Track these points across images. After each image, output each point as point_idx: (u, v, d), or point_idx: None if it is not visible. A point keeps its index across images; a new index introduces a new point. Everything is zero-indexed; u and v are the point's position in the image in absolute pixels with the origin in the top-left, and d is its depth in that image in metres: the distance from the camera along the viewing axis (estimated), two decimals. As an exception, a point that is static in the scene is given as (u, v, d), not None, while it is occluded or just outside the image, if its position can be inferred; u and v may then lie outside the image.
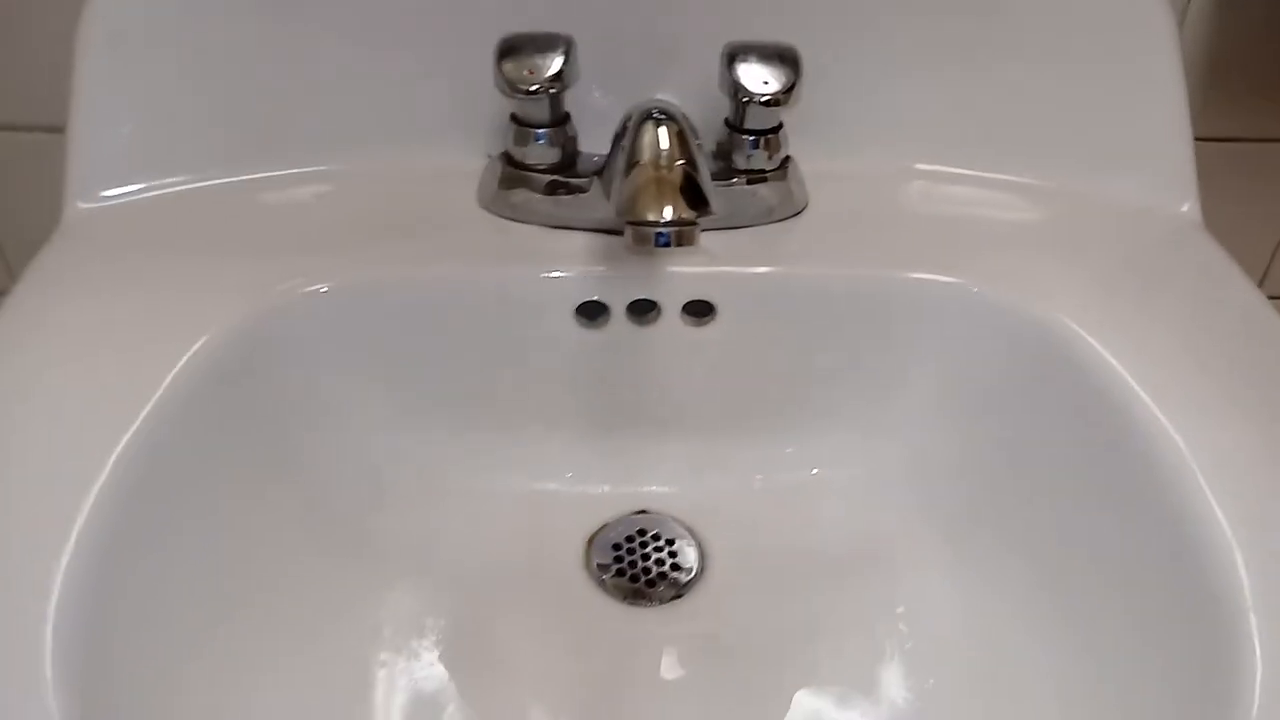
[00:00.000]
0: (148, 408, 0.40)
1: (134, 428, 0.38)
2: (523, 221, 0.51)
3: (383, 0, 0.51)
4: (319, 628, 0.45)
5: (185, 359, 0.42)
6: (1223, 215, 0.54)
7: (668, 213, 0.38)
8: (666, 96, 0.53)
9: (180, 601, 0.39)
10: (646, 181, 0.39)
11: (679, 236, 0.39)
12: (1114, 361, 0.44)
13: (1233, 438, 0.40)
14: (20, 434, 0.38)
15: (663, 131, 0.41)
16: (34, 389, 0.40)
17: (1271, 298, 0.65)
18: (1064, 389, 0.46)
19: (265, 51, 0.51)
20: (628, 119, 0.44)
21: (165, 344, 0.42)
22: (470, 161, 0.54)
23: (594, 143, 0.50)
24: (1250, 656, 0.34)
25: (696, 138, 0.43)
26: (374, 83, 0.53)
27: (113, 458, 0.37)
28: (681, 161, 0.40)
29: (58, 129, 0.53)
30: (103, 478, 0.36)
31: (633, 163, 0.40)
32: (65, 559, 0.34)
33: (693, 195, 0.40)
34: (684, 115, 0.43)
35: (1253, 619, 0.35)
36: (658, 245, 0.39)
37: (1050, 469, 0.46)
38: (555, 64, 0.45)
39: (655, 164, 0.40)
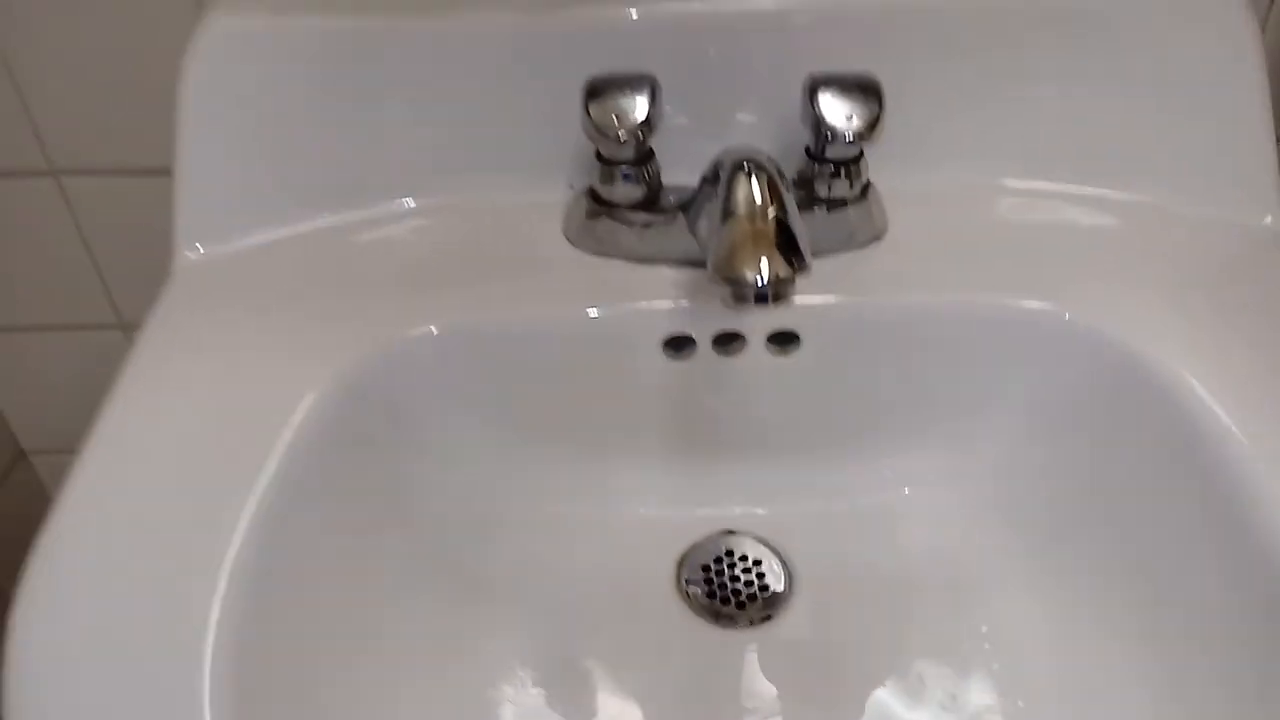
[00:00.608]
0: (271, 470, 0.42)
1: (260, 490, 0.41)
2: (609, 256, 0.52)
3: (462, 38, 0.52)
4: (436, 659, 0.47)
5: (301, 415, 0.44)
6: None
7: (765, 271, 0.39)
8: (745, 116, 0.54)
9: (314, 646, 0.42)
10: (742, 236, 0.40)
11: (776, 294, 0.40)
12: (1200, 389, 0.45)
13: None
14: (157, 499, 0.41)
15: (755, 183, 0.42)
16: (164, 453, 0.42)
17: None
18: (1151, 414, 0.46)
19: (351, 94, 0.52)
20: (719, 165, 0.45)
21: (281, 400, 0.44)
22: (554, 193, 0.55)
23: (674, 165, 0.50)
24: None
25: (785, 181, 0.43)
26: (457, 118, 0.54)
27: (244, 522, 0.39)
28: (774, 212, 0.41)
29: (156, 172, 0.55)
30: (234, 548, 0.39)
31: (727, 213, 0.41)
32: (214, 614, 0.36)
33: (787, 245, 0.41)
34: (773, 161, 0.44)
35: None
36: (756, 304, 0.40)
37: (1138, 494, 0.47)
38: (641, 110, 0.46)
39: (749, 216, 0.41)
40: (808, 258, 0.40)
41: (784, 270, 0.39)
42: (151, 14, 0.53)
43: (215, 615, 0.37)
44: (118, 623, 0.37)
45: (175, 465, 0.42)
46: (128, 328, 0.67)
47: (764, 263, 0.40)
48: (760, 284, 0.39)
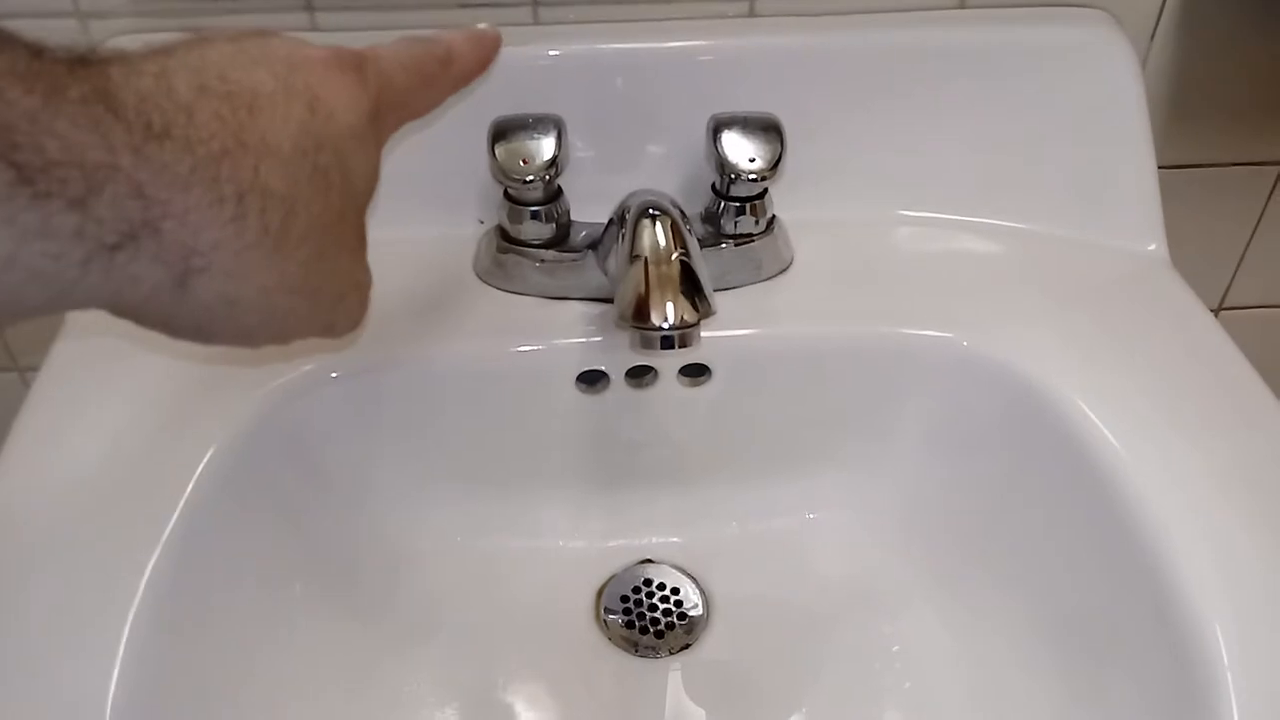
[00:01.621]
0: (174, 518, 0.41)
1: (164, 539, 0.40)
2: (519, 293, 0.52)
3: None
4: (350, 694, 0.47)
5: (204, 460, 0.43)
6: (1188, 236, 0.57)
7: (670, 316, 0.40)
8: (655, 148, 0.54)
9: (224, 686, 0.42)
10: (648, 281, 0.41)
11: (682, 339, 0.40)
12: (1090, 411, 0.47)
13: (1202, 492, 0.43)
14: (60, 543, 0.40)
15: (659, 227, 0.42)
16: (65, 499, 0.42)
17: (1235, 308, 0.68)
18: (1045, 437, 0.48)
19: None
20: (625, 210, 0.45)
21: (182, 446, 0.44)
22: (464, 228, 0.55)
23: (584, 199, 0.51)
24: (1228, 708, 0.37)
25: (689, 225, 0.44)
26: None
27: (146, 574, 0.39)
28: (678, 255, 0.42)
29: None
30: (135, 602, 0.38)
31: (633, 258, 0.42)
32: (116, 666, 0.36)
33: (691, 288, 0.41)
34: (676, 205, 0.45)
35: (1229, 678, 0.37)
36: (662, 349, 0.41)
37: (1035, 513, 0.49)
38: (548, 151, 0.46)
39: (655, 260, 0.42)
40: (712, 302, 0.41)
41: (689, 314, 0.40)
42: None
43: (117, 666, 0.36)
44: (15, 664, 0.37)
45: (79, 503, 0.41)
46: (22, 369, 0.65)
47: (669, 307, 0.40)
48: (666, 328, 0.40)
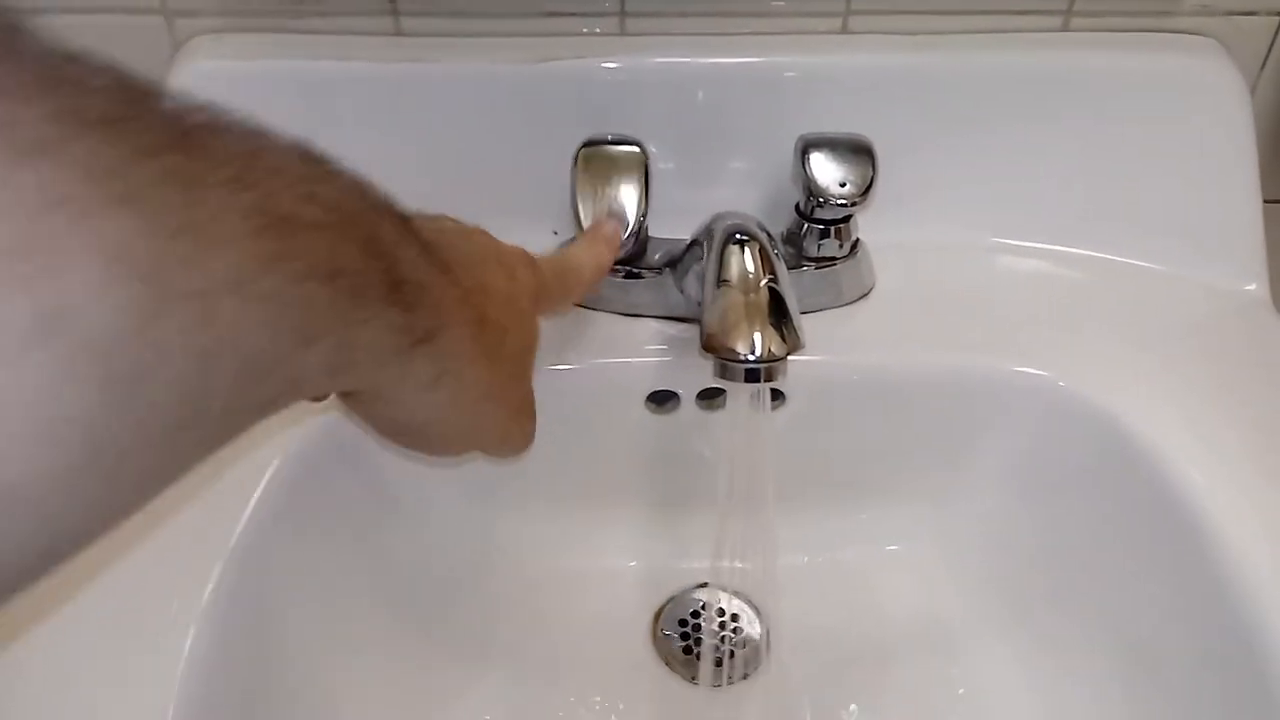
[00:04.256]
0: (236, 535, 0.41)
1: (225, 558, 0.40)
2: (592, 308, 0.51)
3: (449, 83, 0.51)
4: (403, 709, 0.46)
5: (269, 476, 0.43)
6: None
7: (758, 348, 0.39)
8: (737, 164, 0.53)
9: (280, 705, 0.41)
10: (735, 307, 0.40)
11: (769, 372, 0.39)
12: (1185, 458, 0.45)
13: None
14: (118, 568, 0.40)
15: (747, 252, 0.41)
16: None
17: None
18: (1136, 482, 0.46)
19: (330, 139, 0.51)
20: (710, 231, 0.44)
21: (249, 462, 0.43)
22: (540, 237, 0.54)
23: (661, 213, 0.50)
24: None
25: (777, 250, 0.43)
26: (441, 162, 0.53)
27: (208, 591, 0.39)
28: (767, 281, 0.41)
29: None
30: (200, 611, 0.38)
31: (720, 281, 0.41)
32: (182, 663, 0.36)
33: (779, 316, 0.40)
34: (764, 228, 0.43)
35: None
36: (746, 381, 0.39)
37: (1119, 558, 0.47)
38: (632, 212, 0.46)
39: (743, 286, 0.40)
40: (801, 335, 0.40)
41: (778, 346, 0.39)
42: (122, 53, 0.51)
43: (178, 682, 0.36)
44: (81, 678, 0.36)
45: (140, 523, 0.41)
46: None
47: (757, 338, 0.39)
48: (752, 360, 0.39)
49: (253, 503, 0.42)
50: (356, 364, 0.25)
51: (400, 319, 0.26)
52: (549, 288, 0.39)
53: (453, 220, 0.36)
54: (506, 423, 0.35)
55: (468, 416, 0.33)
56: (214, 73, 0.50)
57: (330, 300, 0.22)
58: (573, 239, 0.47)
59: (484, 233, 0.37)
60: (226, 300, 0.19)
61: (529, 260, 0.38)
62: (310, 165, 0.24)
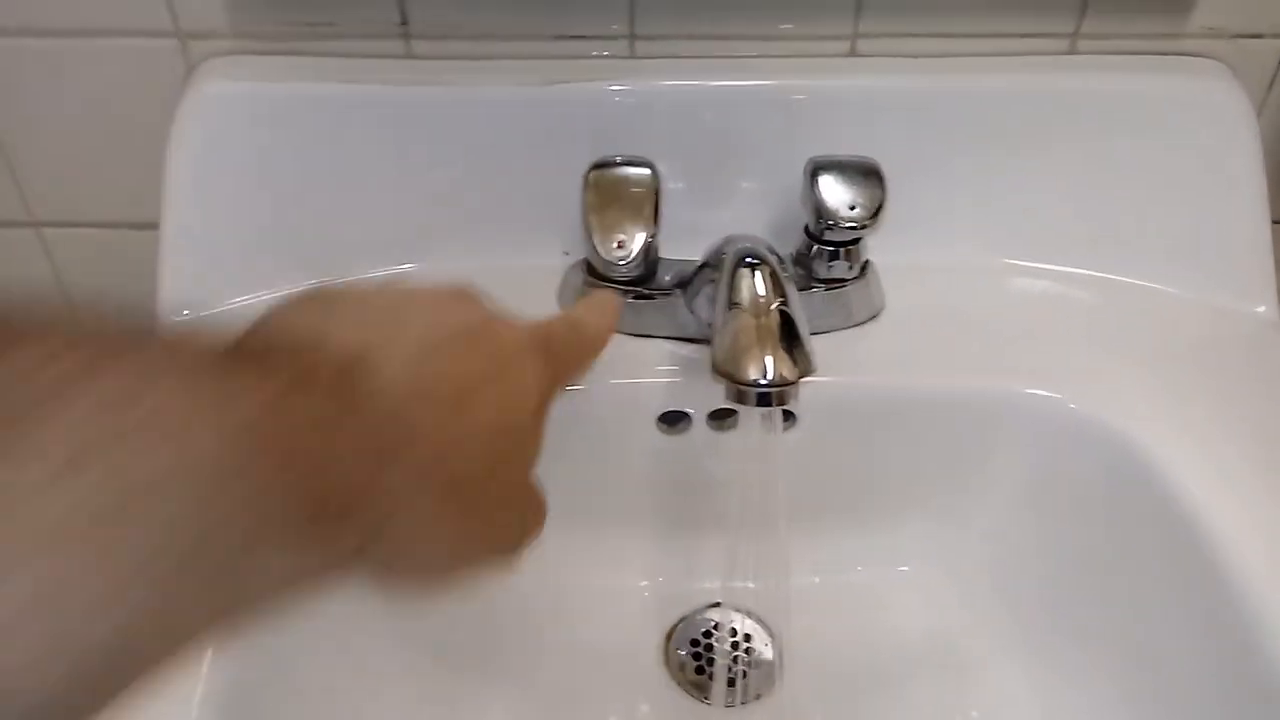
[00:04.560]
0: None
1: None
2: (604, 329, 0.51)
3: (460, 105, 0.51)
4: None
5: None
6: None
7: (769, 371, 0.39)
8: (746, 184, 0.53)
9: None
10: (746, 331, 0.40)
11: (780, 395, 0.39)
12: (1195, 480, 0.45)
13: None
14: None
15: (758, 276, 0.41)
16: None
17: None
18: (1146, 503, 0.46)
19: (343, 160, 0.52)
20: (720, 254, 0.44)
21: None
22: (550, 258, 0.54)
23: (668, 231, 0.50)
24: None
25: (788, 273, 0.43)
26: (453, 182, 0.53)
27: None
28: (778, 305, 0.41)
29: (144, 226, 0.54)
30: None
31: (731, 304, 0.41)
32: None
33: (790, 340, 0.40)
34: (774, 251, 0.44)
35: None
36: (758, 405, 0.40)
37: (1134, 584, 0.47)
38: (642, 237, 0.46)
39: (754, 310, 0.41)
40: (812, 358, 0.40)
41: (789, 370, 0.39)
42: (136, 76, 0.52)
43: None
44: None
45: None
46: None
47: (768, 362, 0.39)
48: (764, 384, 0.39)
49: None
50: (272, 594, 0.21)
51: (324, 538, 0.21)
52: (567, 367, 0.33)
53: (453, 297, 0.28)
54: (487, 553, 0.30)
55: (453, 566, 0.28)
56: (227, 95, 0.51)
57: (197, 569, 0.18)
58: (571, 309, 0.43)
59: (492, 319, 0.29)
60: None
61: (536, 344, 0.30)
62: (191, 385, 0.19)
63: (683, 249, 0.50)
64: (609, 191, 0.46)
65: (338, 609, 0.45)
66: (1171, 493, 0.45)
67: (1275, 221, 0.55)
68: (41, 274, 0.60)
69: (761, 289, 0.41)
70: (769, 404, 0.39)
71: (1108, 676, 0.47)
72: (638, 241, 0.46)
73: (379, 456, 0.22)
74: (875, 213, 0.46)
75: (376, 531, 0.23)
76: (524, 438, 0.29)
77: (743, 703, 0.50)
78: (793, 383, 0.39)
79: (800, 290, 0.50)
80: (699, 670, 0.51)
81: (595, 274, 0.51)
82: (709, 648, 0.52)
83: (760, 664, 0.51)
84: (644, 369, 0.50)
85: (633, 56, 0.52)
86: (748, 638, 0.52)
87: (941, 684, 0.50)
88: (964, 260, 0.54)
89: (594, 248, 0.47)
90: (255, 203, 0.51)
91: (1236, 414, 0.47)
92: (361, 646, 0.47)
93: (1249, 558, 0.41)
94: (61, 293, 0.62)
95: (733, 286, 0.41)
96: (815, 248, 0.50)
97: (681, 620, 0.53)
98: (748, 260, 0.42)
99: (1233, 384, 0.49)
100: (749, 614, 0.53)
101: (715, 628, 0.53)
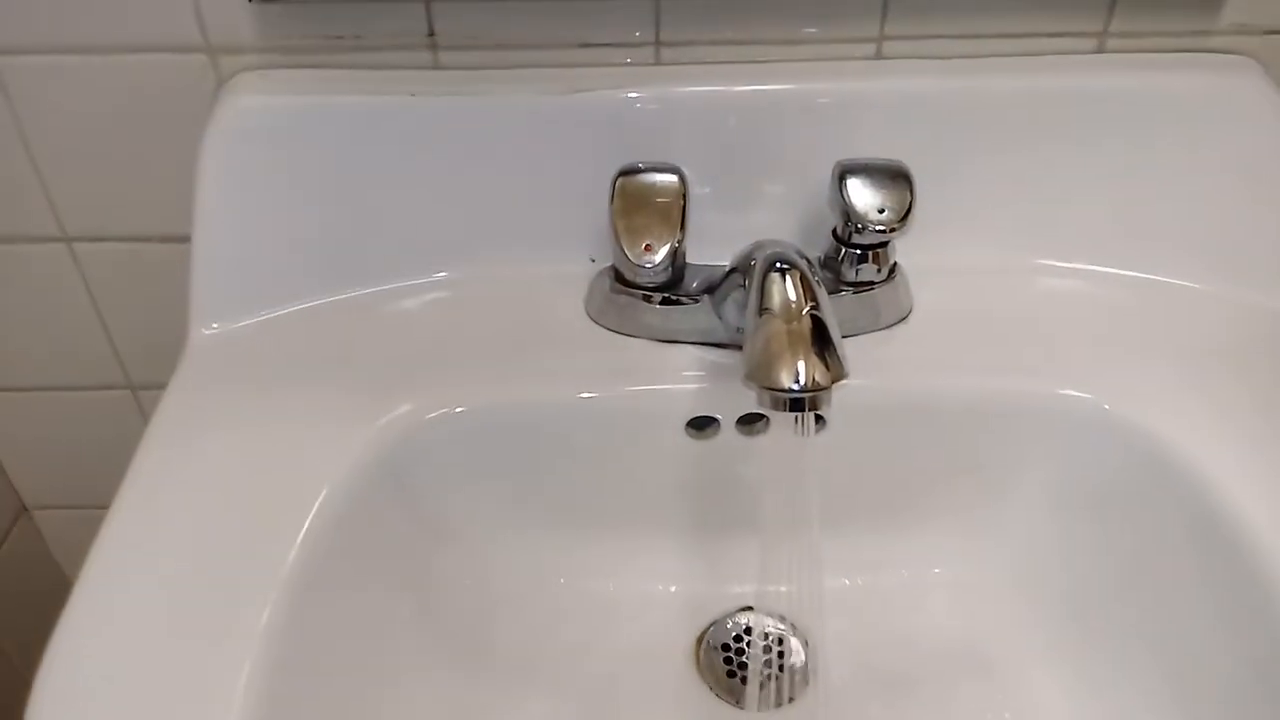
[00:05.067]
0: (290, 558, 0.41)
1: (280, 580, 0.41)
2: (631, 335, 0.52)
3: (487, 114, 0.52)
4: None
5: (320, 498, 0.43)
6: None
7: (802, 377, 0.39)
8: (773, 189, 0.53)
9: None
10: (778, 337, 0.40)
11: (813, 401, 0.39)
12: (1231, 483, 0.44)
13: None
14: (179, 582, 0.40)
15: (789, 281, 0.41)
16: (184, 536, 0.42)
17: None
18: (1180, 505, 0.46)
19: (370, 171, 0.52)
20: (750, 259, 0.44)
21: (300, 484, 0.44)
22: (577, 265, 0.55)
23: (695, 235, 0.50)
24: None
25: (819, 277, 0.43)
26: (481, 192, 0.53)
27: (264, 616, 0.39)
28: (809, 308, 0.41)
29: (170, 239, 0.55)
30: (252, 654, 0.38)
31: (762, 309, 0.41)
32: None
33: (822, 345, 0.40)
34: (804, 256, 0.44)
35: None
36: (791, 410, 0.40)
37: (1169, 586, 0.47)
38: (669, 248, 0.46)
39: (785, 315, 0.41)
40: (845, 363, 0.40)
41: (822, 375, 0.39)
42: (167, 91, 0.52)
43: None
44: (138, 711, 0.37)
45: (195, 548, 0.41)
46: (135, 387, 0.66)
47: (801, 368, 0.39)
48: (796, 390, 0.39)
49: (302, 532, 0.42)
50: None
51: None
52: None
53: None
54: None
55: None
56: (257, 108, 0.51)
57: None
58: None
59: None
60: None
61: None
62: None
63: (710, 254, 0.50)
64: (636, 198, 0.46)
65: (371, 605, 0.45)
66: (1208, 494, 0.45)
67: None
68: (73, 288, 0.61)
69: (793, 294, 0.41)
70: (802, 409, 0.39)
71: (1142, 680, 0.47)
72: (665, 247, 0.46)
73: None
74: (904, 215, 0.46)
75: None
76: None
77: (775, 706, 0.50)
78: (826, 388, 0.39)
79: (828, 294, 0.50)
80: (730, 674, 0.51)
81: (622, 280, 0.51)
82: (740, 651, 0.52)
83: (792, 667, 0.51)
84: (672, 375, 0.50)
85: (658, 63, 0.52)
86: (780, 641, 0.52)
87: (974, 687, 0.50)
88: (992, 261, 0.54)
89: (622, 254, 0.47)
90: (285, 215, 0.52)
91: (1273, 412, 0.47)
92: (395, 648, 0.47)
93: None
94: (93, 306, 0.62)
95: (764, 292, 0.41)
96: (843, 251, 0.50)
97: (713, 624, 0.53)
98: (779, 265, 0.42)
99: (1268, 383, 0.49)
100: (781, 617, 0.53)
101: (747, 631, 0.53)
